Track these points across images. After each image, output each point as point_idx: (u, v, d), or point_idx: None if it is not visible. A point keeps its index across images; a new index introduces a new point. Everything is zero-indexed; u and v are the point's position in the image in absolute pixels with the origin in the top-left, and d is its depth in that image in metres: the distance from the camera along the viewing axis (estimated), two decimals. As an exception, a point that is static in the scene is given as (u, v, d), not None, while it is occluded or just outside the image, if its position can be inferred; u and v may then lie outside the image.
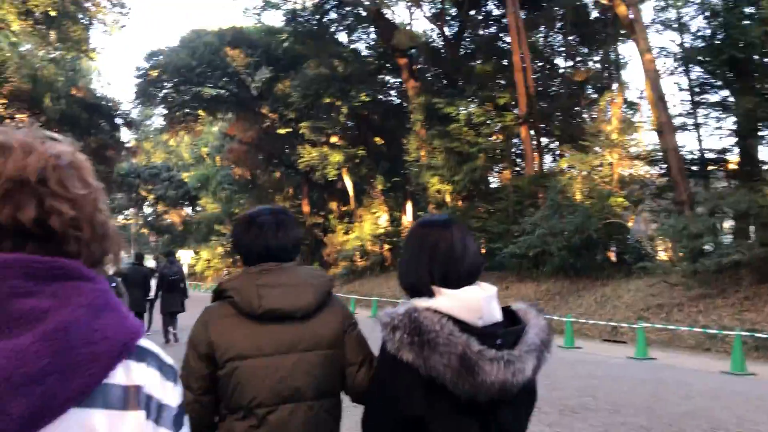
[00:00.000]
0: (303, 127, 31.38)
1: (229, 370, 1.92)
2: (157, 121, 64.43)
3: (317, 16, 36.08)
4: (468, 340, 1.51)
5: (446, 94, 26.50)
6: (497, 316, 1.65)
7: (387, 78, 35.80)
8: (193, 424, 1.74)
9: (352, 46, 36.45)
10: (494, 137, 26.01)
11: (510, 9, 24.62)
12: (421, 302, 1.62)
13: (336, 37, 36.84)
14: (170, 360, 0.95)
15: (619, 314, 16.72)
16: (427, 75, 32.37)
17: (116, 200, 69.05)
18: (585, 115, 27.65)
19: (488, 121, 24.46)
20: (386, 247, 33.38)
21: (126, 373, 0.85)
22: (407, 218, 35.08)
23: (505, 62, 28.41)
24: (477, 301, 1.60)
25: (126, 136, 47.17)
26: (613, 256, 21.72)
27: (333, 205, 41.68)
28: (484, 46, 30.09)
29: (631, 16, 19.07)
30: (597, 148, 21.91)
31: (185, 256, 48.52)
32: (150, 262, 32.25)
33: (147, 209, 74.59)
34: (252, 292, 1.96)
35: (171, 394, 0.91)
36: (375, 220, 34.31)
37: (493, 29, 31.89)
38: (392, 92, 37.71)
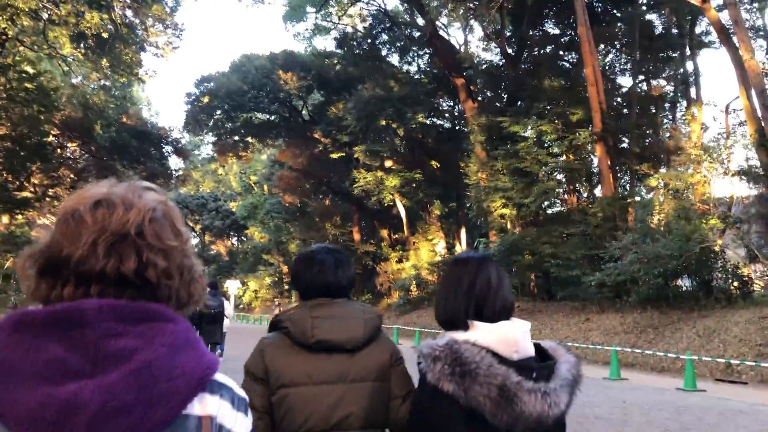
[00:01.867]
0: (357, 150, 30.12)
1: (280, 396, 1.98)
2: (206, 150, 64.80)
3: (368, 39, 35.30)
4: (507, 371, 1.55)
5: (511, 113, 24.92)
6: (531, 351, 1.69)
7: (441, 101, 34.43)
8: None
9: (405, 68, 35.40)
10: (564, 157, 24.30)
11: (581, 20, 23.08)
12: (460, 335, 1.67)
13: (388, 59, 35.91)
14: (243, 393, 1.02)
15: (732, 350, 14.66)
16: (487, 94, 30.93)
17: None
18: (661, 132, 25.82)
19: (561, 139, 22.72)
20: (444, 275, 31.67)
21: (201, 405, 0.93)
22: (462, 245, 33.44)
23: (564, 81, 26.91)
24: (514, 335, 1.65)
25: (175, 164, 46.94)
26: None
27: (384, 233, 40.26)
28: (547, 63, 28.56)
29: (727, 21, 17.31)
30: (683, 166, 20.05)
31: (232, 287, 47.51)
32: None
33: (193, 240, 74.62)
34: (306, 323, 2.04)
35: (241, 424, 0.99)
36: (432, 247, 32.69)
37: (549, 48, 30.42)
38: (446, 115, 36.39)
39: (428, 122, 32.08)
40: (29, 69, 28.88)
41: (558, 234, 23.08)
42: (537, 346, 1.75)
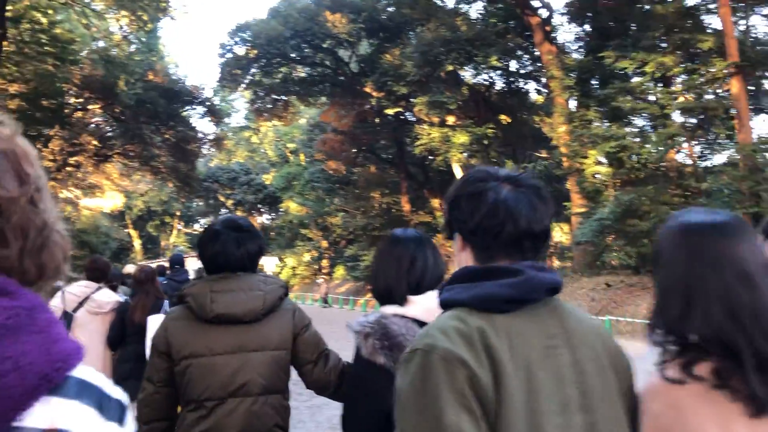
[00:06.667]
0: (418, 102, 25.92)
1: (182, 367, 2.08)
2: (237, 117, 60.83)
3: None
4: None
5: (614, 47, 20.52)
6: None
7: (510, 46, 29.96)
8: (154, 413, 2.12)
9: (465, 9, 30.96)
10: (682, 97, 19.90)
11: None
12: (390, 309, 1.77)
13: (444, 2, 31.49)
14: (118, 394, 0.74)
15: None
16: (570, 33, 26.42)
17: (193, 208, 66.20)
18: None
19: (689, 74, 18.33)
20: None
21: (46, 414, 0.65)
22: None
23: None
24: (437, 305, 1.68)
25: (207, 128, 43.09)
26: None
27: (436, 202, 36.14)
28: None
29: None
30: None
31: (269, 265, 43.92)
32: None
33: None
34: (206, 298, 2.11)
35: None
36: (503, 215, 28.51)
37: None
38: (513, 63, 31.89)
39: (499, 69, 27.65)
40: (42, 18, 25.30)
41: (680, 192, 18.81)
42: None
